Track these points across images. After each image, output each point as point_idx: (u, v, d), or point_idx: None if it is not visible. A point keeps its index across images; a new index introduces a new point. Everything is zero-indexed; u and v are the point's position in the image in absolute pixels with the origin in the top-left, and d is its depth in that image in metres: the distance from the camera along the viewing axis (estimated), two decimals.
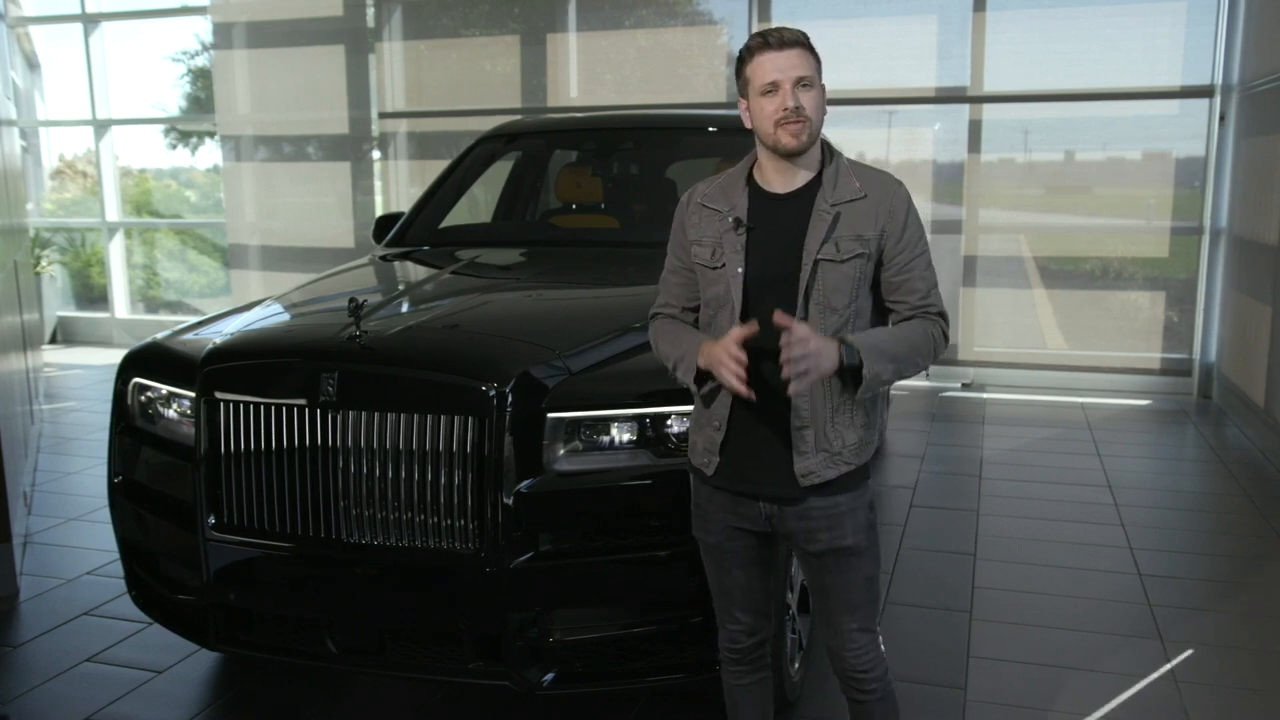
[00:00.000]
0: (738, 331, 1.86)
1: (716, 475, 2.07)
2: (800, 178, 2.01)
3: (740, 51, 1.99)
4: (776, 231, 1.99)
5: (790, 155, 1.97)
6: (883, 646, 2.16)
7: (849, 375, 1.90)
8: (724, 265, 2.01)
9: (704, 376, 2.00)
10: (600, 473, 2.47)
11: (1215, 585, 3.79)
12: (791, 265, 1.96)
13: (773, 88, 1.93)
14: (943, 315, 2.04)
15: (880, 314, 2.07)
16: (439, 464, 2.39)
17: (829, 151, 2.04)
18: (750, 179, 2.06)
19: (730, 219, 2.01)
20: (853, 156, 2.14)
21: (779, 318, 1.83)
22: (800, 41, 1.94)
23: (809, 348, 1.80)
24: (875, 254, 1.98)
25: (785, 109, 1.91)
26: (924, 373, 2.03)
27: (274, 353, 2.69)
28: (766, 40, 1.93)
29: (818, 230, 1.95)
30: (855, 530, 2.04)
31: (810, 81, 1.94)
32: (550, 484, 2.43)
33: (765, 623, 2.23)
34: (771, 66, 1.92)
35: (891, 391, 1.84)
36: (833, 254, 1.95)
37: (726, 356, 1.85)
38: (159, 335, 3.10)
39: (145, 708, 2.95)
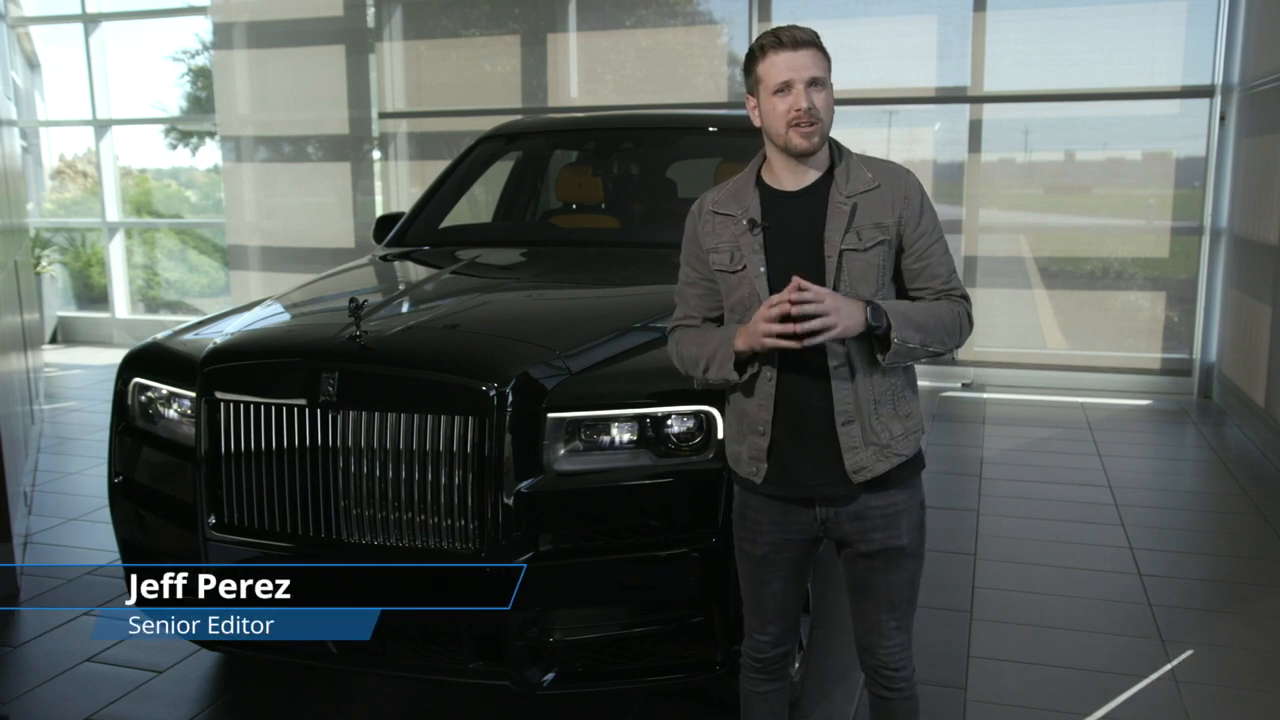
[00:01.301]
0: (775, 297, 1.86)
1: (766, 483, 2.05)
2: (811, 174, 2.01)
3: (751, 48, 1.99)
4: (793, 228, 2.00)
5: (801, 156, 1.98)
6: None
7: (876, 341, 1.92)
8: (745, 268, 2.01)
9: (743, 364, 1.99)
10: (600, 473, 2.47)
11: (1215, 585, 3.79)
12: (813, 260, 1.96)
13: (785, 88, 1.93)
14: (966, 298, 2.05)
15: None
16: (439, 464, 2.39)
17: (837, 147, 2.05)
18: (760, 180, 2.06)
19: (744, 221, 2.01)
20: None
21: (798, 281, 1.83)
22: (813, 41, 1.94)
23: (825, 304, 1.82)
24: (895, 240, 1.99)
25: (798, 110, 1.92)
26: (952, 355, 2.04)
27: (274, 353, 2.69)
28: (779, 39, 1.93)
29: (838, 222, 1.96)
30: (909, 530, 2.06)
31: (822, 82, 1.94)
32: (550, 484, 2.43)
33: (791, 635, 2.23)
34: (785, 66, 1.92)
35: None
36: (855, 243, 1.95)
37: (763, 319, 1.86)
38: (159, 335, 3.10)
39: (145, 708, 2.95)
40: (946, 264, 2.03)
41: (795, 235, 1.99)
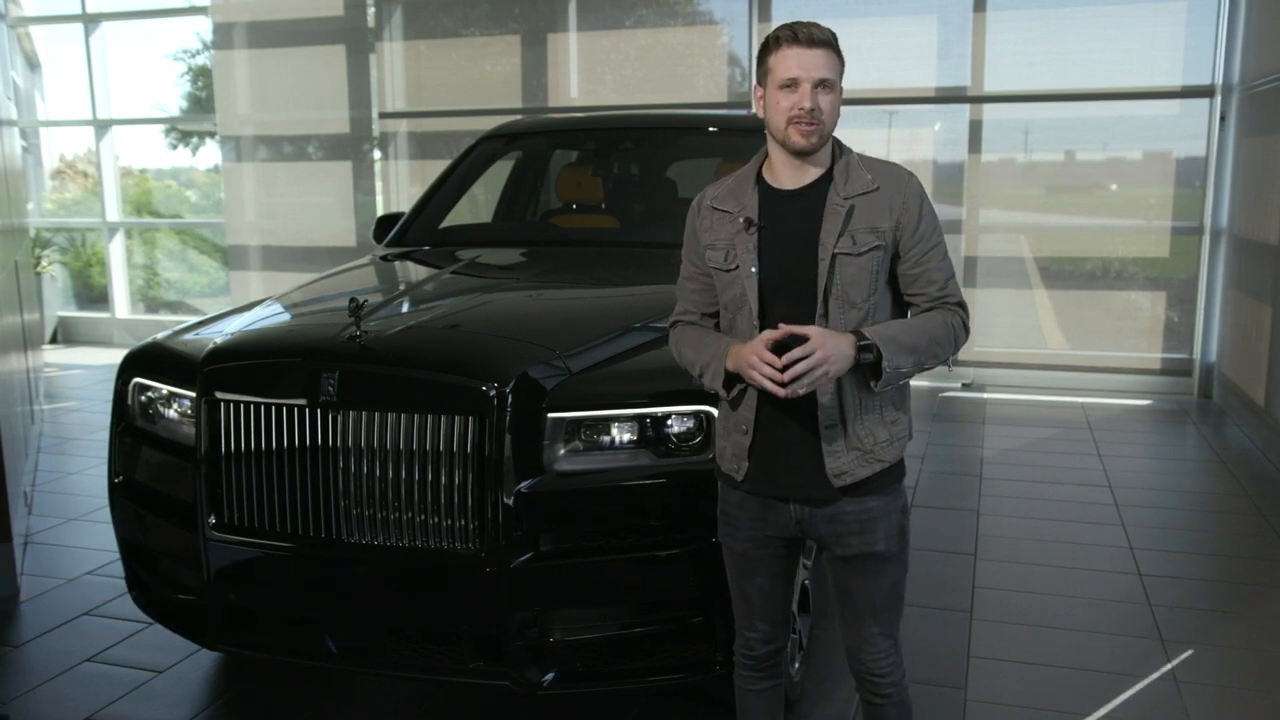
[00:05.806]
0: (767, 335, 1.85)
1: (746, 481, 2.05)
2: (811, 173, 2.00)
3: (766, 39, 1.97)
4: (789, 228, 1.98)
5: (799, 154, 1.97)
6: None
7: (868, 369, 1.90)
8: (737, 267, 2.00)
9: (732, 380, 1.99)
10: (600, 473, 2.47)
11: (1215, 585, 3.79)
12: (806, 262, 1.95)
13: (792, 84, 1.91)
14: (962, 305, 2.02)
15: (899, 309, 2.05)
16: (439, 464, 2.39)
17: (839, 147, 2.03)
18: (760, 177, 2.05)
19: (741, 219, 2.00)
20: None
21: (785, 329, 1.83)
22: (829, 42, 1.93)
23: (814, 359, 1.80)
24: (891, 246, 1.97)
25: (800, 109, 1.91)
26: (947, 365, 2.02)
27: (274, 353, 2.69)
28: (795, 35, 1.91)
29: (833, 224, 1.94)
30: (887, 536, 2.03)
31: (830, 84, 1.92)
32: (550, 484, 2.43)
33: (782, 632, 2.22)
34: (795, 63, 1.90)
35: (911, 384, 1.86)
36: (849, 247, 1.93)
37: (756, 359, 1.84)
38: (159, 335, 3.10)
39: (145, 708, 2.95)
40: (944, 271, 2.00)
41: (790, 236, 1.97)
